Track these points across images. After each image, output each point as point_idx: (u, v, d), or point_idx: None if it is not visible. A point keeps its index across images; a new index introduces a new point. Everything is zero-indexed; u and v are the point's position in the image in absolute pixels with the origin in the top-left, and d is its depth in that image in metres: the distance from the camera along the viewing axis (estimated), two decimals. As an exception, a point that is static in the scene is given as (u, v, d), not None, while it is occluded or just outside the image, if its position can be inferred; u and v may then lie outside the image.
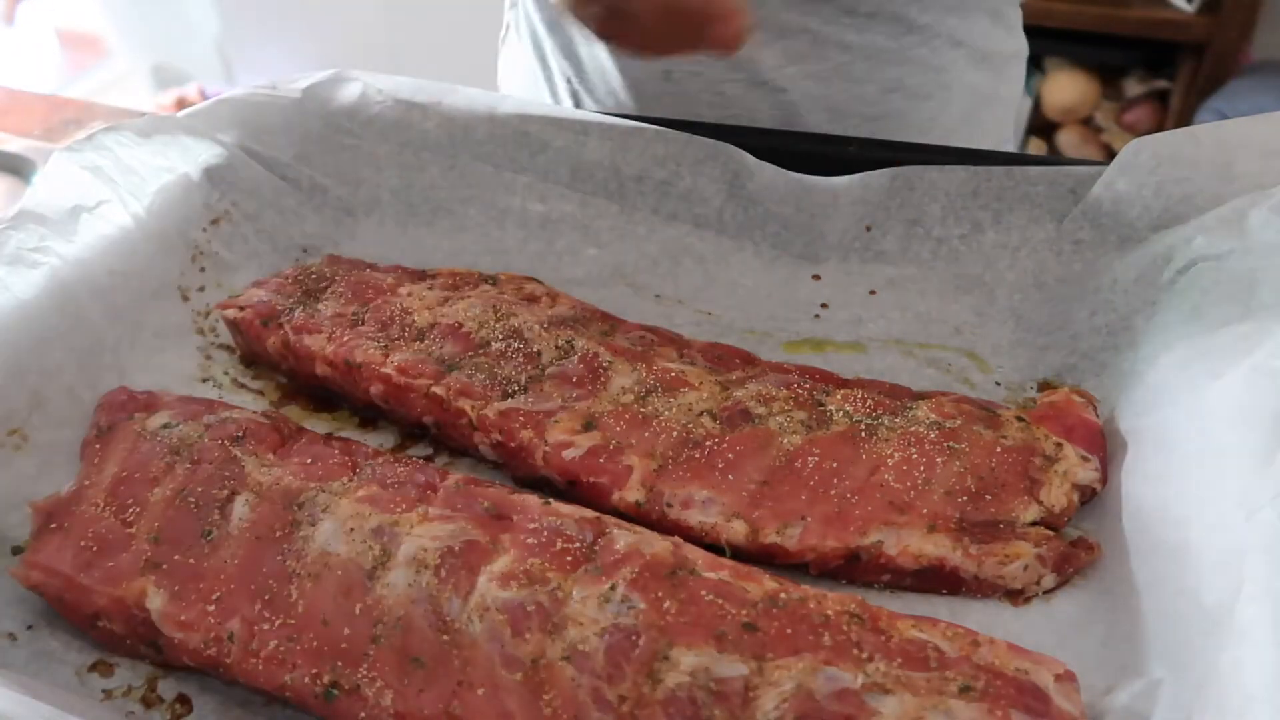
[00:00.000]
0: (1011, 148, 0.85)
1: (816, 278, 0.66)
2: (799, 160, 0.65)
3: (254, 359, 0.64)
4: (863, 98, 0.73)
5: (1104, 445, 0.51)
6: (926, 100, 0.75)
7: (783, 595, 0.43)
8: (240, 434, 0.53)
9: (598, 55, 0.78)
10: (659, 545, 0.46)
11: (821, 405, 0.53)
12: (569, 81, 0.81)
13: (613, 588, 0.43)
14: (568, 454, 0.52)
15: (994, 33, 0.75)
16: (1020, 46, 0.80)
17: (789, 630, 0.42)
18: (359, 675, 0.43)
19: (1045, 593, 0.47)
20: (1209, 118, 1.74)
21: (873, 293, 0.65)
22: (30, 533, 0.50)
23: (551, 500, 0.49)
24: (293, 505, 0.49)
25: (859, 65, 0.72)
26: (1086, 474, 0.50)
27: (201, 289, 0.66)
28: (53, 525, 0.50)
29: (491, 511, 0.48)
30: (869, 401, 0.53)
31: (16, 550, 0.51)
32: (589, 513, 0.48)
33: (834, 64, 0.72)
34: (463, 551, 0.45)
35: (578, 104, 0.81)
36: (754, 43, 0.71)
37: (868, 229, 0.65)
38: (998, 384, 0.59)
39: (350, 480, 0.50)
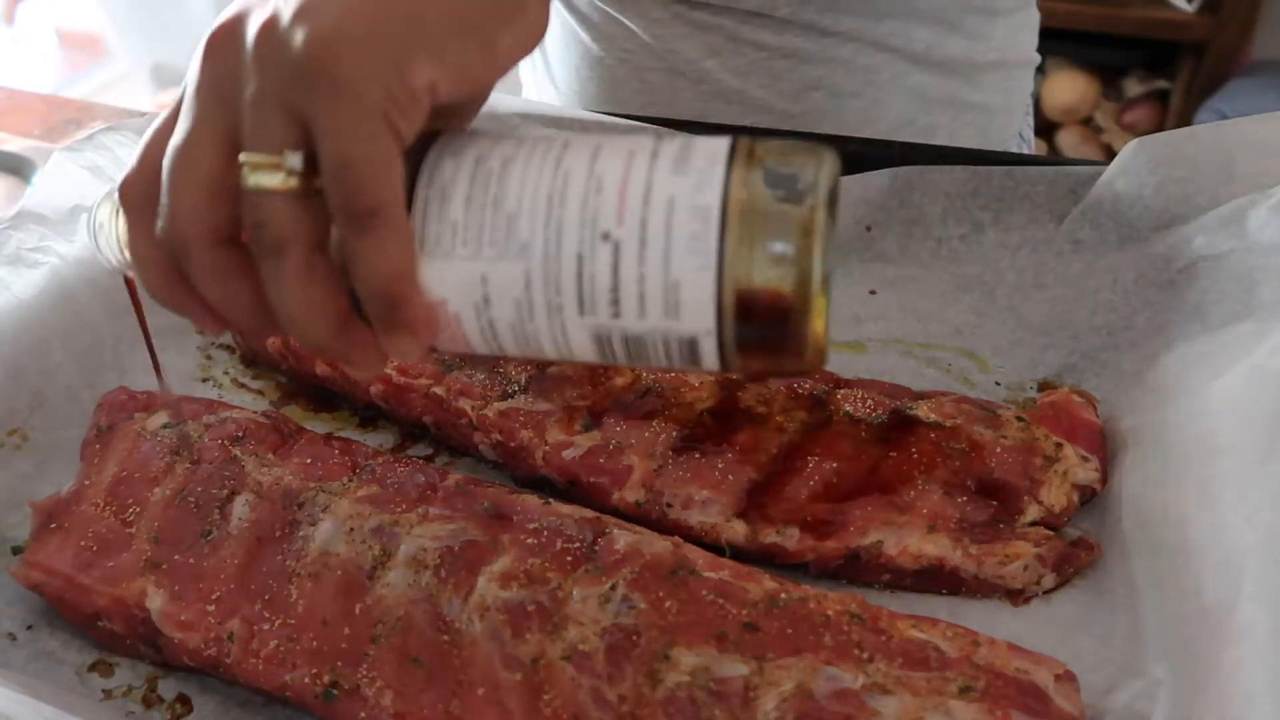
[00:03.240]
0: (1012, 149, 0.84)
1: (816, 278, 0.66)
2: (799, 160, 0.65)
3: (254, 359, 0.64)
4: (782, 93, 0.74)
5: (1104, 445, 0.51)
6: (854, 99, 0.75)
7: (783, 595, 0.43)
8: (240, 434, 0.53)
9: (553, 34, 0.81)
10: (659, 545, 0.46)
11: (821, 405, 0.53)
12: (536, 55, 0.85)
13: (613, 588, 0.43)
14: (568, 454, 0.52)
15: (948, 41, 0.74)
16: (1011, 56, 0.78)
17: (789, 630, 0.42)
18: (359, 675, 0.43)
19: (1045, 593, 0.47)
20: (1209, 118, 1.74)
21: (873, 293, 0.65)
22: (30, 533, 0.50)
23: (551, 500, 0.49)
24: (293, 505, 0.49)
25: (777, 63, 0.73)
26: (1086, 474, 0.50)
27: (201, 289, 0.66)
28: (53, 525, 0.50)
29: (491, 511, 0.48)
30: (869, 401, 0.53)
31: (16, 550, 0.51)
32: (589, 513, 0.48)
33: (749, 59, 0.73)
34: (463, 551, 0.45)
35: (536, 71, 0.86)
36: (675, 33, 0.74)
37: (868, 229, 0.65)
38: (998, 384, 0.59)
39: (350, 480, 0.50)
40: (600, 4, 0.77)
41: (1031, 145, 0.89)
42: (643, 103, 0.76)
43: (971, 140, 0.79)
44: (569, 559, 0.45)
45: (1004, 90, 0.80)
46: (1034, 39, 0.81)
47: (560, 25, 0.82)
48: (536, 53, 0.85)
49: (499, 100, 0.70)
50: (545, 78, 0.86)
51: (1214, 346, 0.48)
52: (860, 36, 0.72)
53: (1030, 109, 0.87)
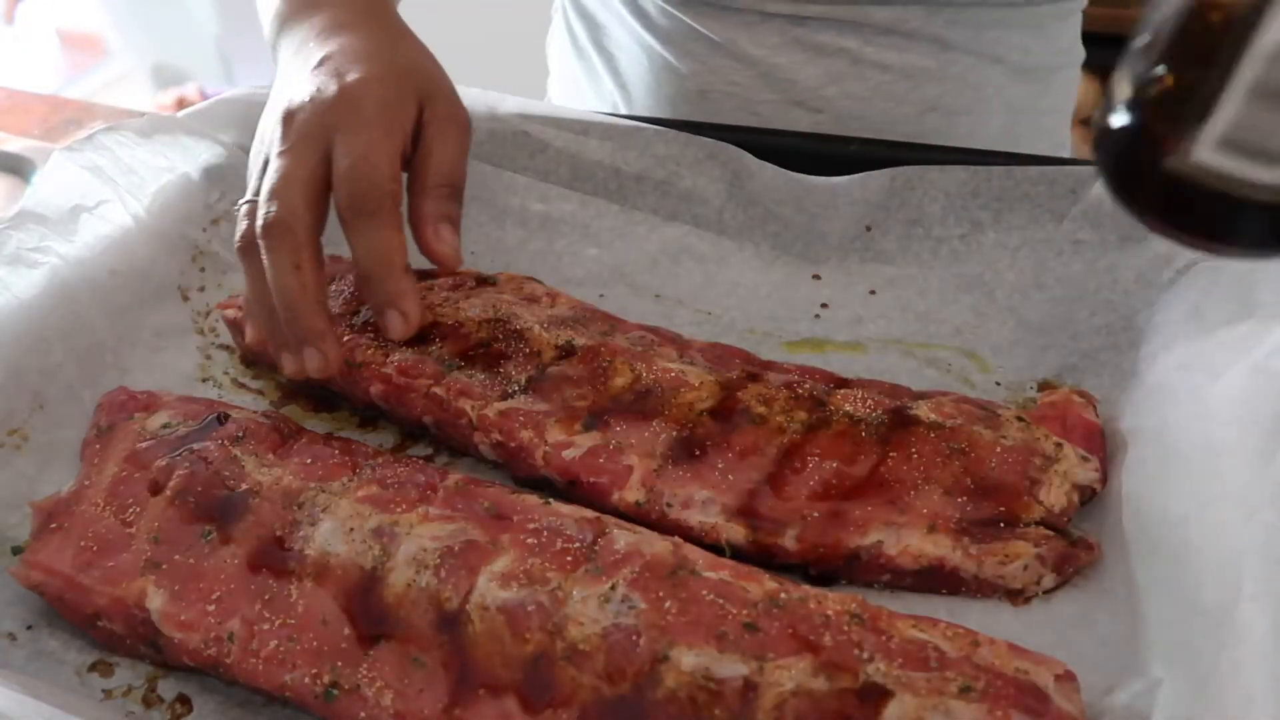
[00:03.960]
0: (1066, 153, 0.84)
1: (816, 278, 0.66)
2: (799, 160, 0.65)
3: (254, 359, 0.64)
4: (901, 117, 0.73)
5: (1104, 445, 0.51)
6: (964, 116, 0.74)
7: (783, 595, 0.43)
8: (240, 434, 0.53)
9: (638, 67, 0.78)
10: (659, 545, 0.46)
11: (822, 405, 0.53)
12: (613, 89, 0.82)
13: (613, 588, 0.43)
14: (568, 454, 0.52)
15: (1035, 46, 0.74)
16: (1068, 58, 0.79)
17: (789, 630, 0.42)
18: (359, 675, 0.43)
19: (1045, 593, 0.47)
20: (1209, 118, 1.74)
21: (873, 293, 0.65)
22: (30, 533, 0.50)
23: (551, 500, 0.49)
24: (293, 505, 0.49)
25: (899, 85, 0.72)
26: (1086, 474, 0.50)
27: (201, 289, 0.66)
28: (53, 525, 0.50)
29: (491, 511, 0.48)
30: (869, 401, 0.53)
31: (16, 550, 0.51)
32: (589, 513, 0.48)
33: (873, 84, 0.72)
34: (463, 551, 0.45)
35: (617, 108, 0.82)
36: (793, 61, 0.71)
37: (868, 229, 0.65)
38: (998, 384, 0.59)
39: (350, 480, 0.50)
40: (705, 31, 0.73)
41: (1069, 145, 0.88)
42: None
43: (1044, 146, 0.80)
44: (569, 559, 0.45)
45: (1065, 93, 0.81)
46: (1079, 41, 0.81)
47: (637, 44, 0.78)
48: (610, 80, 0.82)
49: (499, 100, 0.70)
50: (628, 106, 0.82)
51: (1214, 346, 0.48)
52: (971, 48, 0.72)
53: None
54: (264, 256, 0.50)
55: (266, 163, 0.52)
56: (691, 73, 0.75)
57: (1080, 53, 0.81)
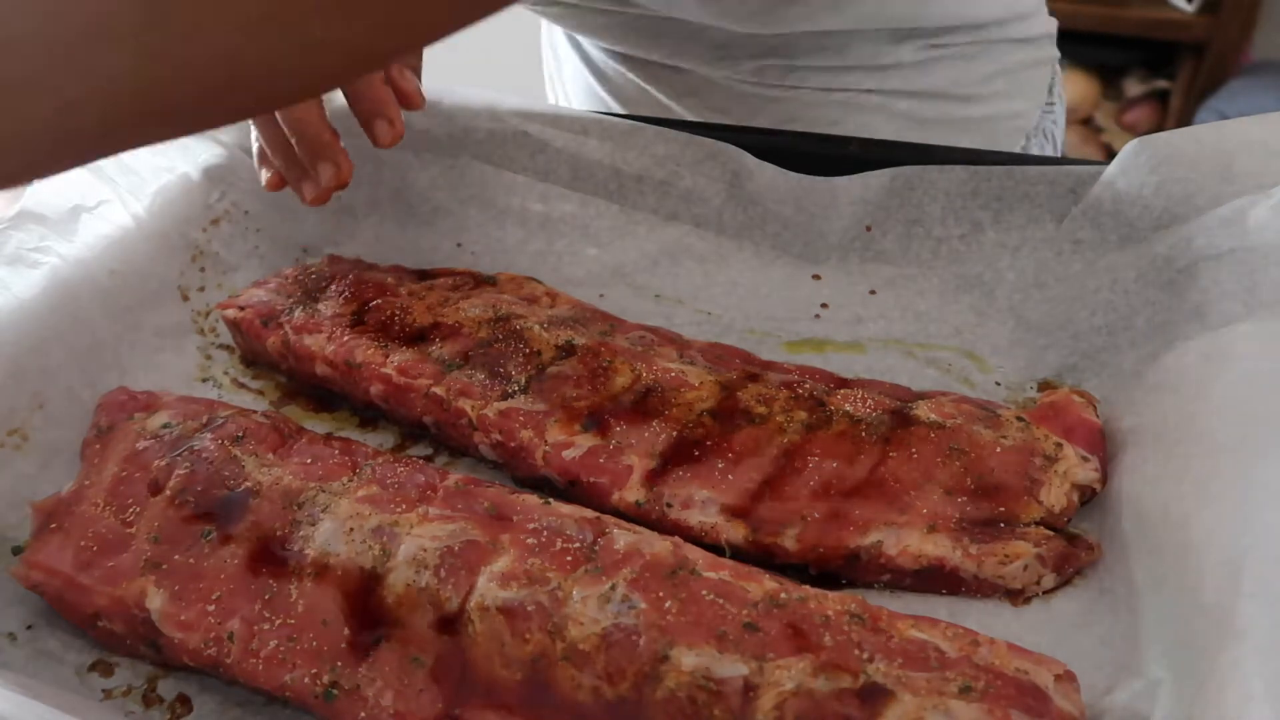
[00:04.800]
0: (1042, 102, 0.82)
1: (816, 278, 0.66)
2: (799, 160, 0.65)
3: (254, 359, 0.64)
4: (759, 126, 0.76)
5: (1104, 445, 0.51)
6: (833, 128, 0.75)
7: (783, 595, 0.43)
8: (240, 434, 0.53)
9: (583, 96, 0.85)
10: (659, 545, 0.46)
11: (822, 405, 0.53)
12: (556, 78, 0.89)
13: (613, 588, 0.43)
14: (568, 454, 0.52)
15: (934, 71, 0.74)
16: (1010, 60, 0.76)
17: (789, 630, 0.42)
18: (359, 675, 0.43)
19: (1045, 593, 0.47)
20: (1209, 118, 1.74)
21: (873, 293, 0.65)
22: (30, 533, 0.50)
23: (551, 500, 0.49)
24: (293, 505, 0.49)
25: (749, 101, 0.75)
26: (1086, 474, 0.50)
27: (201, 289, 0.66)
28: (53, 525, 0.50)
29: (491, 511, 0.48)
30: (869, 401, 0.53)
31: (16, 550, 0.51)
32: (589, 513, 0.48)
33: (718, 103, 0.76)
34: (463, 551, 0.45)
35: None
36: (704, 104, 0.76)
37: (868, 229, 0.65)
38: (998, 384, 0.59)
39: (350, 480, 0.50)
40: (619, 68, 0.79)
41: (1058, 141, 0.85)
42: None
43: (983, 145, 0.77)
44: (569, 559, 0.45)
45: (1008, 97, 0.78)
46: (1046, 39, 0.79)
47: (580, 77, 0.85)
48: (564, 100, 0.89)
49: (499, 100, 0.70)
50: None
51: (1214, 346, 0.48)
52: (830, 86, 0.73)
53: (1054, 100, 0.83)
54: None
55: None
56: (610, 97, 0.82)
57: (1043, 54, 0.78)
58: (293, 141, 0.58)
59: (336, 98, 0.63)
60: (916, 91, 0.74)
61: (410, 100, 0.60)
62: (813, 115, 0.75)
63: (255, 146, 0.62)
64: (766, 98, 0.75)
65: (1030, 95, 0.80)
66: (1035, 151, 0.82)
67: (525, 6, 0.79)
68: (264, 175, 0.62)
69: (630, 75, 0.80)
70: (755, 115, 0.76)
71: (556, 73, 0.91)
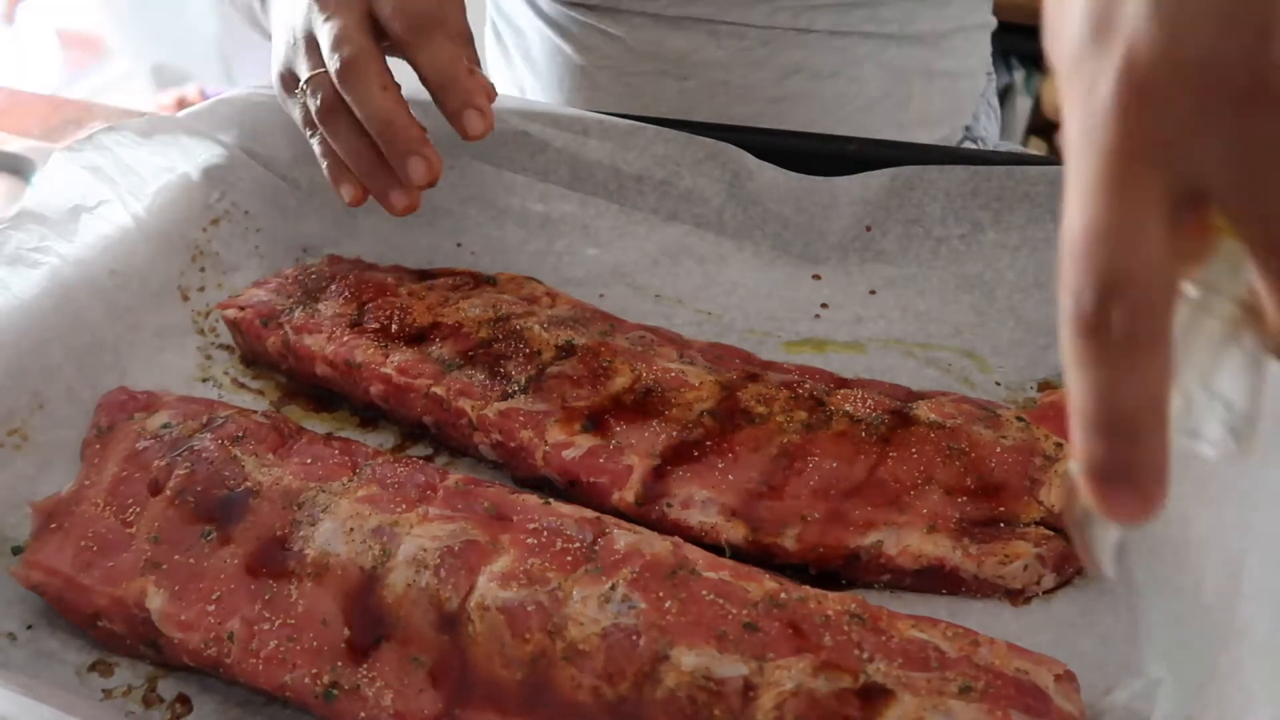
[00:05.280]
0: (971, 121, 0.88)
1: (816, 278, 0.66)
2: (799, 160, 0.65)
3: (254, 359, 0.64)
4: (764, 80, 0.77)
5: (1104, 445, 0.51)
6: (832, 79, 0.77)
7: (783, 595, 0.43)
8: (240, 434, 0.53)
9: (537, 49, 0.86)
10: (659, 545, 0.46)
11: (822, 405, 0.53)
12: (522, 66, 0.90)
13: (613, 588, 0.43)
14: (568, 454, 0.52)
15: (917, 15, 0.77)
16: (969, 20, 0.81)
17: (789, 630, 0.42)
18: (359, 675, 0.43)
19: (1045, 593, 0.47)
20: (1209, 118, 1.74)
21: (873, 293, 0.65)
22: (30, 533, 0.50)
23: (551, 500, 0.49)
24: (293, 505, 0.49)
25: (757, 50, 0.76)
26: (1086, 474, 0.50)
27: (201, 289, 0.66)
28: (53, 525, 0.50)
29: (491, 511, 0.48)
30: (869, 401, 0.53)
31: (16, 550, 0.51)
32: (589, 513, 0.48)
33: (731, 50, 0.76)
34: (463, 551, 0.45)
35: (523, 82, 0.91)
36: (656, 36, 0.78)
37: (868, 229, 0.65)
38: (998, 384, 0.59)
39: (350, 480, 0.50)
40: (579, 16, 0.80)
41: (998, 111, 0.92)
42: (628, 105, 0.79)
43: (944, 105, 0.82)
44: (569, 559, 0.45)
45: (967, 54, 0.83)
46: (988, 3, 0.84)
47: (542, 40, 0.85)
48: (526, 68, 0.90)
49: (499, 100, 0.70)
50: (539, 90, 0.89)
51: (1214, 346, 0.48)
52: (836, 29, 0.75)
53: (992, 73, 0.90)
54: (349, 97, 0.54)
55: (309, 40, 0.56)
56: (575, 51, 0.82)
57: (986, 16, 0.83)
58: (381, 144, 0.55)
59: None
60: (904, 35, 0.77)
61: (490, 91, 0.58)
62: (805, 59, 0.76)
63: (324, 165, 0.59)
64: (760, 51, 0.76)
65: (980, 55, 0.85)
66: (983, 119, 0.89)
67: None
68: (346, 192, 0.59)
69: (569, 13, 0.80)
70: (748, 73, 0.77)
71: (515, 45, 0.90)
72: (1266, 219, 0.24)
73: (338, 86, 0.55)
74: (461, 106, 0.55)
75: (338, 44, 0.54)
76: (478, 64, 0.59)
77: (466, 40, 0.58)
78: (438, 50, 0.55)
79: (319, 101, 0.56)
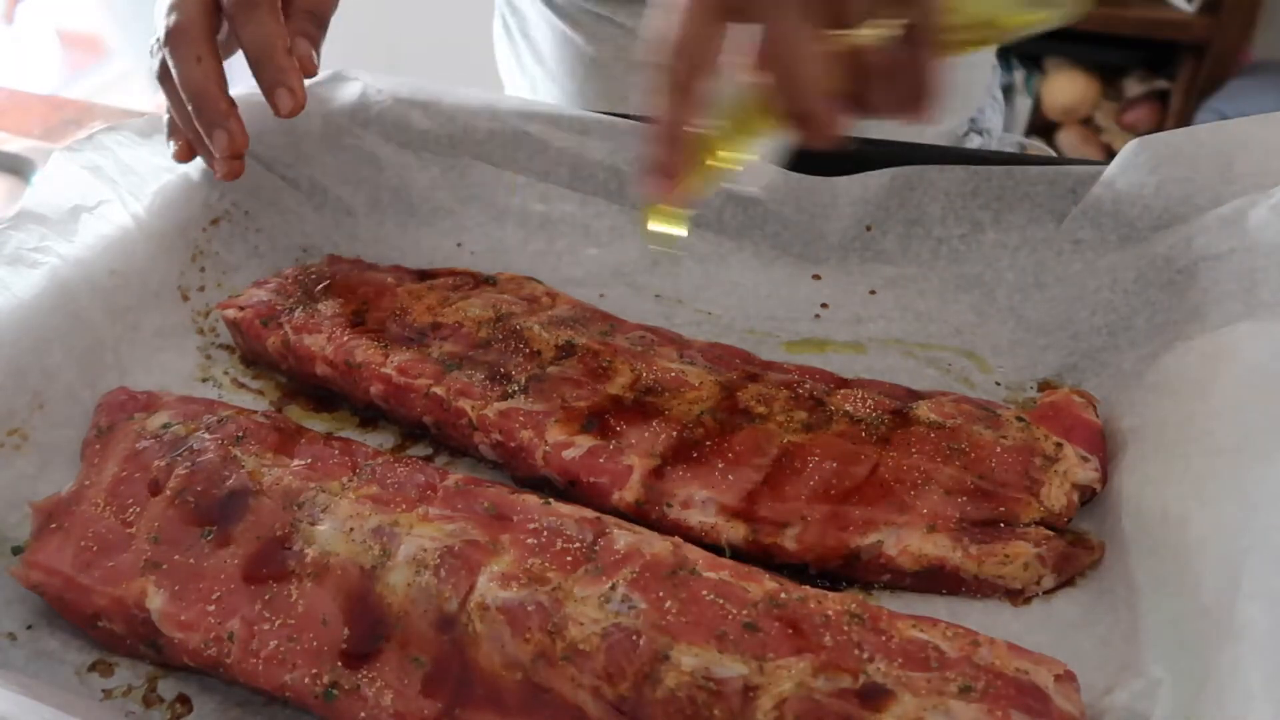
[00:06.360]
0: (976, 113, 0.88)
1: (816, 278, 0.66)
2: (799, 160, 0.65)
3: (254, 359, 0.64)
4: None
5: (1104, 445, 0.51)
6: None
7: (783, 595, 0.43)
8: (240, 434, 0.53)
9: (549, 43, 0.86)
10: (659, 545, 0.46)
11: (821, 405, 0.53)
12: (533, 64, 0.90)
13: (613, 588, 0.43)
14: (568, 454, 0.52)
15: None
16: None
17: (789, 630, 0.42)
18: (359, 675, 0.43)
19: (1045, 593, 0.47)
20: (1209, 118, 1.74)
21: (873, 293, 0.65)
22: (30, 533, 0.50)
23: (551, 500, 0.49)
24: (293, 505, 0.49)
25: None
26: (1086, 474, 0.50)
27: (201, 289, 0.66)
28: (53, 525, 0.50)
29: (491, 511, 0.48)
30: (869, 401, 0.53)
31: (16, 550, 0.51)
32: (589, 513, 0.48)
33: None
34: (463, 551, 0.45)
35: (535, 79, 0.91)
36: None
37: (868, 229, 0.65)
38: (998, 384, 0.59)
39: (350, 480, 0.50)
40: (590, 7, 0.80)
41: (1002, 103, 0.93)
42: (638, 96, 0.79)
43: (951, 96, 0.84)
44: (569, 559, 0.45)
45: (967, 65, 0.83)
46: None
47: (552, 31, 0.85)
48: (534, 61, 0.89)
49: (499, 100, 0.70)
50: (549, 83, 0.88)
51: (1214, 346, 0.48)
52: None
53: (997, 65, 0.91)
54: (170, 63, 0.58)
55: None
56: (585, 42, 0.83)
57: None
58: (191, 113, 0.58)
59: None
60: None
61: (307, 67, 0.60)
62: None
63: (165, 119, 0.62)
64: None
65: (980, 70, 0.86)
66: (989, 111, 0.90)
67: None
68: (172, 147, 0.62)
69: (581, 4, 0.80)
70: None
71: (523, 39, 0.91)
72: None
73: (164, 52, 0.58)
74: (274, 84, 0.58)
75: (170, 10, 0.58)
76: (317, 42, 0.61)
77: (306, 16, 0.60)
78: (257, 27, 0.57)
79: (157, 63, 0.59)
